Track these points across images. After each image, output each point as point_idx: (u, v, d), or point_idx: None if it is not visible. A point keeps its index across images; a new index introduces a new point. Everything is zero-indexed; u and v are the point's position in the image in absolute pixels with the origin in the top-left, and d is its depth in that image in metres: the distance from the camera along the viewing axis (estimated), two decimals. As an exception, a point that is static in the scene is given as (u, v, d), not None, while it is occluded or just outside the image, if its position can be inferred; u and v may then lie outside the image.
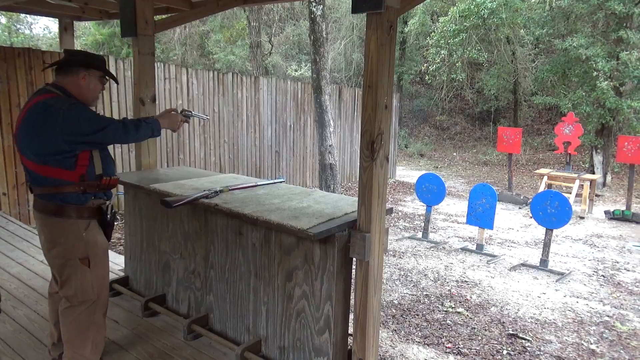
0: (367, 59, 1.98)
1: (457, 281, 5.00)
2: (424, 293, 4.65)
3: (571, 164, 9.14)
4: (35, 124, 2.04)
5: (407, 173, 12.70)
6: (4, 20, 19.57)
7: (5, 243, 4.45)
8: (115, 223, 2.46)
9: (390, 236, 6.65)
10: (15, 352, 2.63)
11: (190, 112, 2.77)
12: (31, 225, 5.45)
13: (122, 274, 3.54)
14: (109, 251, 2.43)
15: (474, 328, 3.95)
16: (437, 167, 14.16)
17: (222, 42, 18.26)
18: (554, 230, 5.71)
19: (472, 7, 12.78)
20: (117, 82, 2.47)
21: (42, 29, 21.48)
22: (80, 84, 2.19)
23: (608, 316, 4.29)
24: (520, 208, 8.83)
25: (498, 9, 12.53)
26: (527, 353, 3.58)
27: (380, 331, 3.04)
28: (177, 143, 7.20)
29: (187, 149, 7.37)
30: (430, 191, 6.49)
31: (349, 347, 2.33)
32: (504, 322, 4.07)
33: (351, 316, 2.27)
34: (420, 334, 3.82)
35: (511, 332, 3.90)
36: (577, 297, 4.70)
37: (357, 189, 2.21)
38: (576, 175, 8.60)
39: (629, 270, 5.58)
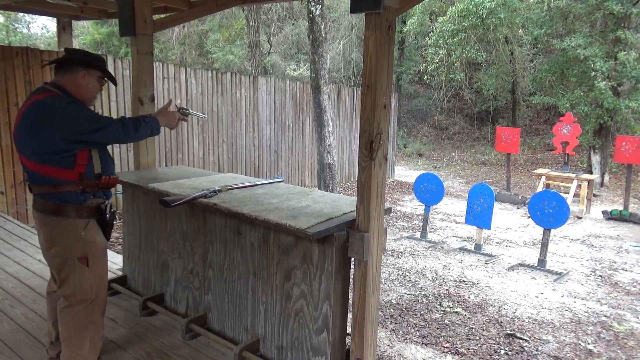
0: (366, 58, 1.98)
1: (455, 281, 5.01)
2: (422, 293, 4.66)
3: (569, 164, 9.16)
4: (33, 123, 2.03)
5: (405, 173, 12.71)
6: (1, 19, 19.53)
7: (3, 242, 4.44)
8: (114, 222, 2.45)
9: (389, 236, 6.66)
10: (13, 352, 2.63)
11: (188, 110, 2.77)
12: (29, 224, 5.44)
13: (120, 273, 3.54)
14: (107, 250, 2.42)
15: (472, 328, 3.95)
16: (435, 167, 14.17)
17: (221, 42, 18.25)
18: (552, 230, 5.73)
19: (470, 7, 12.80)
20: (115, 84, 2.46)
21: (41, 28, 21.45)
22: (80, 82, 2.18)
23: (605, 316, 4.30)
24: (518, 208, 8.84)
25: (496, 9, 12.55)
26: (525, 353, 3.59)
27: (378, 331, 3.05)
28: (175, 142, 7.19)
29: (185, 148, 7.36)
30: (429, 191, 6.50)
31: (347, 346, 2.34)
32: (501, 322, 4.08)
33: (349, 316, 2.27)
34: (418, 333, 3.82)
35: (509, 332, 3.91)
36: (575, 297, 4.71)
37: (355, 188, 2.22)
38: (574, 175, 8.62)
39: (626, 270, 5.60)
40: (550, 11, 12.73)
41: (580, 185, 8.59)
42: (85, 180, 2.14)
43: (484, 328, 3.96)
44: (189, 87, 7.30)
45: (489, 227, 5.88)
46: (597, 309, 4.46)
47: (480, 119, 17.98)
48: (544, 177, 8.93)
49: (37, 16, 18.39)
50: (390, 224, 7.36)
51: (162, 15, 4.40)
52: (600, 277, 5.32)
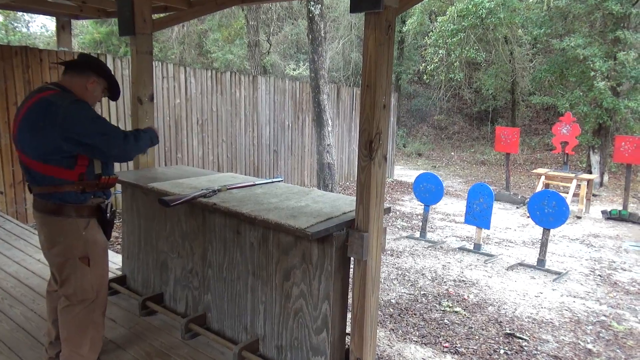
0: (366, 58, 1.98)
1: (454, 280, 5.01)
2: (422, 292, 4.66)
3: (568, 163, 9.17)
4: (36, 121, 2.02)
5: (405, 172, 12.72)
6: (1, 18, 19.50)
7: (2, 242, 4.43)
8: (114, 222, 2.45)
9: (388, 235, 6.66)
10: (12, 351, 2.63)
11: None
12: (28, 223, 5.44)
13: (119, 272, 3.53)
14: (108, 250, 2.42)
15: (471, 327, 3.96)
16: (435, 167, 14.18)
17: (220, 41, 18.24)
18: (551, 230, 5.73)
19: (470, 6, 12.80)
20: (114, 99, 2.45)
21: (40, 28, 21.40)
22: (87, 87, 2.20)
23: (605, 316, 4.31)
24: (517, 208, 8.85)
25: (496, 9, 12.55)
26: (524, 352, 3.59)
27: (377, 330, 3.05)
28: (175, 142, 7.19)
29: (185, 148, 7.36)
30: (428, 191, 6.50)
31: (347, 346, 2.34)
32: (501, 322, 4.08)
33: (349, 315, 2.27)
34: (417, 333, 3.83)
35: (508, 331, 3.91)
36: (574, 297, 4.72)
37: (355, 188, 2.22)
38: (573, 175, 8.63)
39: (625, 270, 5.60)
40: (550, 11, 12.73)
41: (579, 185, 8.59)
42: (86, 180, 2.13)
43: (484, 327, 3.97)
44: (188, 86, 7.30)
45: (488, 227, 5.89)
46: (597, 308, 4.46)
47: (480, 119, 17.98)
48: (543, 177, 8.93)
49: (36, 15, 18.36)
50: (389, 224, 7.36)
51: (162, 15, 4.40)
52: (599, 277, 5.32)
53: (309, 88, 8.72)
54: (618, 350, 3.69)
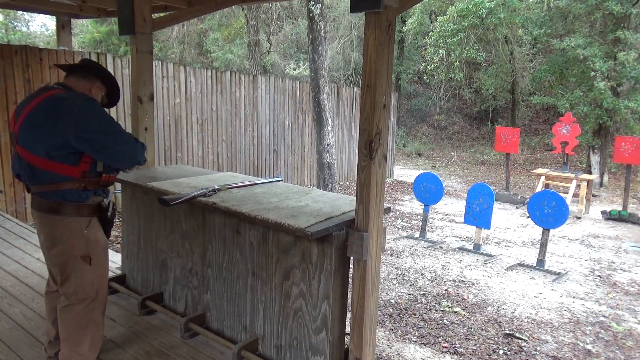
0: (366, 58, 1.98)
1: (454, 281, 5.01)
2: (421, 292, 4.66)
3: (568, 164, 9.17)
4: (46, 118, 2.02)
5: (405, 172, 12.72)
6: (1, 17, 19.49)
7: (2, 241, 4.43)
8: (114, 221, 2.46)
9: (388, 235, 6.66)
10: (11, 350, 2.63)
11: None
12: (28, 222, 5.44)
13: (119, 272, 3.53)
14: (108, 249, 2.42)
15: (471, 328, 3.96)
16: (434, 167, 14.18)
17: (220, 41, 18.23)
18: (551, 230, 5.73)
19: (470, 6, 12.80)
20: (109, 107, 2.49)
21: (40, 27, 21.39)
22: (92, 90, 2.25)
23: (604, 316, 4.31)
24: (517, 208, 8.85)
25: (496, 9, 12.55)
26: (524, 353, 3.59)
27: (377, 330, 3.05)
28: (175, 141, 7.19)
29: (185, 147, 7.35)
30: (428, 190, 6.50)
31: (346, 346, 2.34)
32: (500, 322, 4.08)
33: (348, 315, 2.27)
34: (417, 333, 3.83)
35: (507, 331, 3.91)
36: (574, 297, 4.72)
37: (354, 188, 2.22)
38: (573, 175, 8.63)
39: (625, 271, 5.60)
40: (550, 11, 12.74)
41: (579, 185, 8.59)
42: (88, 177, 2.14)
43: (483, 328, 3.97)
44: (188, 86, 7.29)
45: (488, 227, 5.89)
46: (596, 309, 4.46)
47: (480, 119, 17.99)
48: (543, 177, 8.94)
49: (36, 14, 18.35)
50: (389, 224, 7.36)
51: (162, 14, 4.40)
52: (599, 277, 5.32)
53: (309, 88, 8.71)
54: (617, 351, 3.69)
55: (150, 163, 3.59)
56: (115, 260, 3.92)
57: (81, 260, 2.16)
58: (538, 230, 6.68)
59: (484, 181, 11.42)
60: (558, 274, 5.31)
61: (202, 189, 2.64)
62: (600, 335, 3.95)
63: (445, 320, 4.06)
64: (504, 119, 17.32)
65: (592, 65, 10.42)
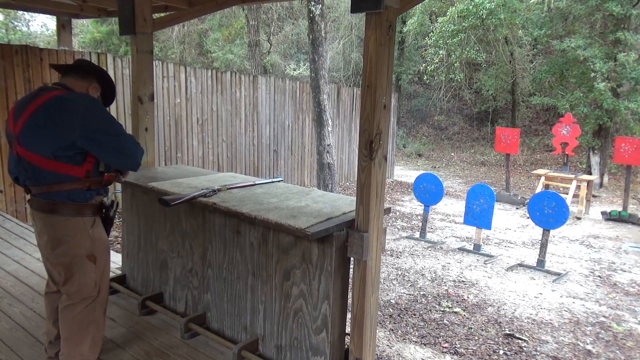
0: (366, 58, 1.98)
1: (454, 281, 5.01)
2: (421, 293, 4.66)
3: (568, 164, 9.17)
4: (52, 117, 2.03)
5: (405, 173, 12.72)
6: (1, 17, 19.50)
7: (2, 241, 4.43)
8: (115, 220, 2.47)
9: (388, 236, 6.66)
10: (11, 350, 2.63)
11: None
12: (28, 222, 5.43)
13: (119, 272, 3.53)
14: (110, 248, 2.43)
15: (471, 328, 3.96)
16: (435, 167, 14.18)
17: (221, 41, 18.23)
18: (551, 231, 5.73)
19: (470, 7, 12.81)
20: (105, 106, 2.50)
21: (40, 27, 21.40)
22: (89, 90, 2.26)
23: (604, 317, 4.31)
24: (517, 208, 8.85)
25: (496, 10, 12.55)
26: (524, 353, 3.59)
27: (377, 331, 3.05)
28: (175, 141, 7.19)
29: (185, 147, 7.35)
30: (428, 191, 6.50)
31: (346, 346, 2.34)
32: (500, 322, 4.08)
33: (348, 315, 2.27)
34: (417, 333, 3.83)
35: (508, 332, 3.91)
36: (574, 298, 4.72)
37: (355, 188, 2.22)
38: (573, 176, 8.63)
39: (625, 271, 5.60)
40: (550, 12, 12.74)
41: (579, 186, 8.59)
42: (91, 177, 2.15)
43: (483, 328, 3.97)
44: (188, 86, 7.30)
45: (489, 228, 5.89)
46: (596, 309, 4.46)
47: (480, 120, 17.99)
48: (543, 178, 8.94)
49: (36, 14, 18.36)
50: (389, 224, 7.36)
51: (162, 14, 4.40)
52: (599, 278, 5.32)
53: (309, 88, 8.71)
54: (617, 351, 3.69)
55: (151, 163, 3.59)
56: (115, 260, 3.92)
57: (86, 260, 2.17)
58: (538, 231, 6.68)
59: (484, 182, 11.42)
60: (558, 274, 5.31)
61: (202, 189, 2.64)
62: (600, 335, 3.95)
63: (445, 321, 4.06)
64: (504, 120, 17.32)
65: (592, 66, 10.42)
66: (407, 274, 5.15)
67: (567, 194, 8.30)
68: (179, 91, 7.17)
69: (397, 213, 8.12)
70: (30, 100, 2.11)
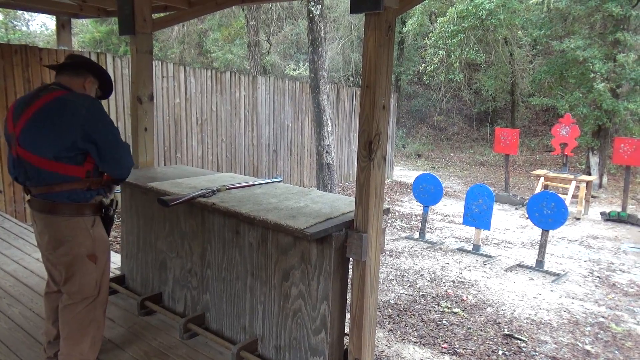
0: (366, 59, 1.98)
1: (453, 281, 5.01)
2: (420, 293, 4.66)
3: (567, 165, 9.18)
4: (54, 118, 2.03)
5: (404, 173, 12.72)
6: (1, 17, 19.49)
7: (1, 241, 4.43)
8: (114, 220, 2.47)
9: (387, 236, 6.66)
10: (10, 350, 2.62)
11: None
12: (27, 222, 5.43)
13: (118, 272, 3.53)
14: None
15: (470, 328, 3.96)
16: (434, 168, 14.18)
17: (220, 41, 18.23)
18: (550, 231, 5.73)
19: (470, 8, 12.81)
20: (105, 97, 2.50)
21: (40, 26, 21.39)
22: (85, 86, 2.26)
23: (603, 317, 4.31)
24: (516, 209, 8.85)
25: (496, 10, 12.56)
26: (523, 353, 3.59)
27: (376, 331, 3.05)
28: (174, 141, 7.19)
29: (184, 147, 7.35)
30: (427, 191, 6.50)
31: (345, 346, 2.34)
32: (499, 323, 4.08)
33: (347, 316, 2.27)
34: (416, 334, 3.83)
35: (507, 332, 3.91)
36: (573, 298, 4.72)
37: (354, 188, 2.22)
38: (572, 176, 8.64)
39: (624, 272, 5.61)
40: (550, 13, 12.74)
41: (578, 186, 8.60)
42: (92, 177, 2.16)
43: (482, 328, 3.97)
44: (188, 86, 7.30)
45: (488, 228, 5.89)
46: (595, 310, 4.47)
47: (479, 120, 17.99)
48: (542, 178, 8.94)
49: (36, 14, 18.35)
50: (388, 224, 7.36)
51: (162, 14, 4.40)
52: (598, 278, 5.32)
53: (308, 88, 8.72)
54: (616, 352, 3.70)
55: (150, 163, 3.59)
56: (114, 260, 3.91)
57: (87, 259, 2.18)
58: (537, 231, 6.69)
59: (484, 182, 11.43)
60: (557, 274, 5.32)
61: (201, 189, 2.64)
62: (599, 335, 3.95)
63: (444, 321, 4.06)
64: (503, 120, 17.33)
65: (591, 67, 10.42)
66: (406, 275, 5.15)
67: (567, 194, 8.30)
68: (179, 91, 7.17)
69: (397, 213, 8.12)
70: (29, 101, 2.10)
